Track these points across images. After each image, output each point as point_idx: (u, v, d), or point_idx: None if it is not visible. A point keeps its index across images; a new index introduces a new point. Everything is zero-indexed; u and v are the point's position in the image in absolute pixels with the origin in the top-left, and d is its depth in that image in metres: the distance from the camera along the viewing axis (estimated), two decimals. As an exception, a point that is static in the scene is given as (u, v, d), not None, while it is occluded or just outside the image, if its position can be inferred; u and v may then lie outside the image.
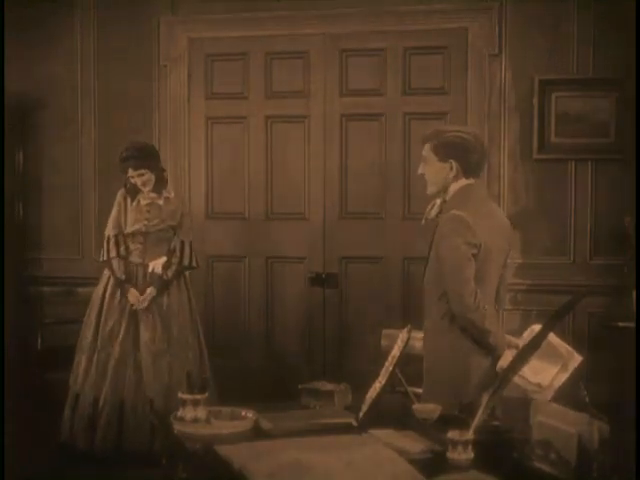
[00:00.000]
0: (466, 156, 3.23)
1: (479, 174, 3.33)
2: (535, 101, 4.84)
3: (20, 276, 5.37)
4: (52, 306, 5.34)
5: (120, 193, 4.77)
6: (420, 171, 3.32)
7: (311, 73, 5.17)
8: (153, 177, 4.66)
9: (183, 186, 5.27)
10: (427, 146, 3.27)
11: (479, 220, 3.13)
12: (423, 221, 3.34)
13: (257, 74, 5.23)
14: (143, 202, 4.71)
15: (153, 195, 4.70)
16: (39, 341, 4.91)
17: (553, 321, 2.64)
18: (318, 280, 5.18)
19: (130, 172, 4.62)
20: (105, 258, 4.71)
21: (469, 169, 3.23)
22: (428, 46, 5.01)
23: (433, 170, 3.27)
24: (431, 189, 3.29)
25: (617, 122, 4.76)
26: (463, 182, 3.23)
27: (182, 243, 4.73)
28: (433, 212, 3.29)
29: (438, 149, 3.23)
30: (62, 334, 5.02)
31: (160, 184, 4.71)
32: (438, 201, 3.29)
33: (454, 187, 3.23)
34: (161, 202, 4.72)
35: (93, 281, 4.82)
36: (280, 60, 5.21)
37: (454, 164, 3.20)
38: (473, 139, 3.24)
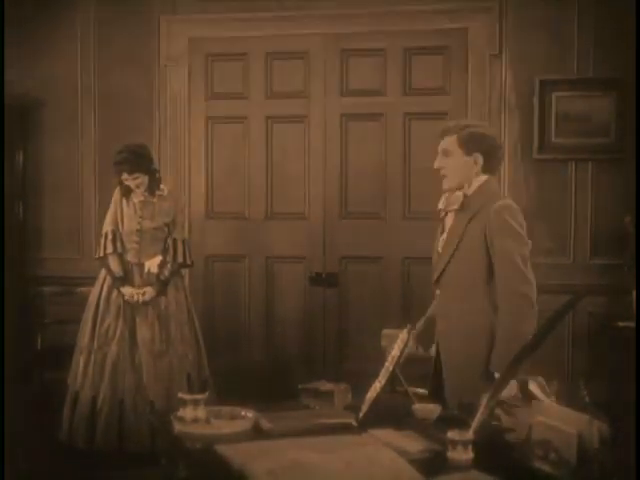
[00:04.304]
0: (492, 151, 3.24)
1: (497, 171, 3.36)
2: (535, 101, 4.84)
3: (20, 276, 5.36)
4: (52, 306, 5.33)
5: (117, 190, 4.78)
6: (438, 165, 3.25)
7: (311, 73, 5.17)
8: (147, 179, 4.67)
9: (183, 186, 5.27)
10: (450, 139, 3.21)
11: None
12: (442, 213, 3.27)
13: (257, 74, 5.23)
14: (136, 200, 4.72)
15: (146, 194, 4.71)
16: (39, 341, 4.91)
17: (554, 321, 2.64)
18: (318, 280, 5.17)
19: (124, 176, 4.62)
20: (102, 254, 4.72)
21: (491, 165, 3.25)
22: (428, 46, 5.01)
23: (456, 164, 3.22)
24: (450, 184, 3.25)
25: (617, 122, 4.76)
26: (484, 177, 3.24)
27: (175, 241, 4.73)
28: (454, 204, 3.23)
29: (466, 142, 3.19)
30: (62, 334, 5.01)
31: (153, 184, 4.72)
32: (459, 194, 3.23)
33: (477, 182, 3.23)
34: (154, 200, 4.73)
35: (93, 281, 4.81)
36: (280, 60, 5.21)
37: (479, 158, 3.20)
38: (497, 136, 3.25)
